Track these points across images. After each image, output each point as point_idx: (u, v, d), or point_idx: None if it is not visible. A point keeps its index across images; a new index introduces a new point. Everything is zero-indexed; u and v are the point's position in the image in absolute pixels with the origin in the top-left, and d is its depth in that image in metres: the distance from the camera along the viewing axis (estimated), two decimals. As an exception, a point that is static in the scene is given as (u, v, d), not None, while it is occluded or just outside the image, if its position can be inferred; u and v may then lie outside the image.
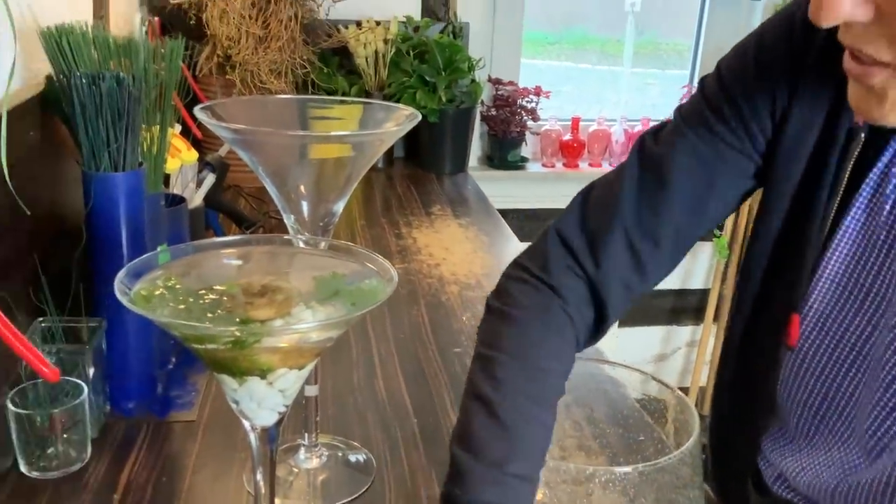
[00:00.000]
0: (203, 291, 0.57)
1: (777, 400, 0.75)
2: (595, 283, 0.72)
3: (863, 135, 0.65)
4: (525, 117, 2.16)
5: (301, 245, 0.66)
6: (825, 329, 0.70)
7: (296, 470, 0.82)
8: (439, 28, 2.01)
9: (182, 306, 0.54)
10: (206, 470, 0.81)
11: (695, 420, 0.59)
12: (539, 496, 0.58)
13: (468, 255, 1.44)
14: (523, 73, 2.26)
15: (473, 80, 1.96)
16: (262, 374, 0.55)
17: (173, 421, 0.89)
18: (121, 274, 0.55)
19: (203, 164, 1.29)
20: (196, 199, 1.22)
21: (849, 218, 0.67)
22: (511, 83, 2.17)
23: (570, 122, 2.30)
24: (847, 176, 0.66)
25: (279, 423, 0.60)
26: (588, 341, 0.74)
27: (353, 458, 0.84)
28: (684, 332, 2.57)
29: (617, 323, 2.40)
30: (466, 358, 1.06)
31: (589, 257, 0.72)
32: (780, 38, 0.69)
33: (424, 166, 1.97)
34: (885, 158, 0.65)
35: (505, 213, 1.78)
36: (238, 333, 0.51)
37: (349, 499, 0.78)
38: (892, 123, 0.57)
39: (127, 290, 0.54)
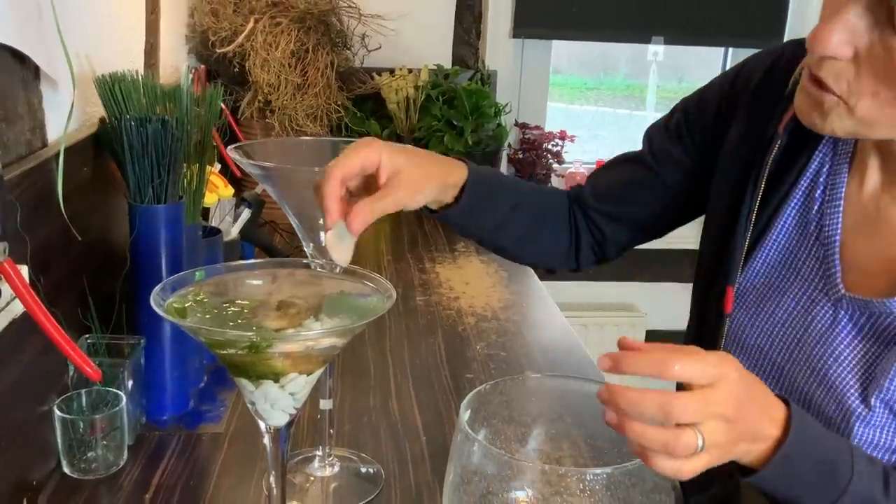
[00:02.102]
0: (227, 304, 0.65)
1: None
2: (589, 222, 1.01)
3: (780, 140, 0.81)
4: (550, 160, 2.24)
5: (317, 269, 0.74)
6: (758, 302, 0.83)
7: (311, 478, 0.89)
8: (468, 76, 2.12)
9: (207, 316, 0.63)
10: (229, 476, 0.88)
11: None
12: (524, 501, 0.64)
13: (487, 289, 1.51)
14: (557, 118, 2.35)
15: (499, 125, 2.05)
16: (276, 377, 0.63)
17: (202, 432, 0.97)
18: (157, 288, 0.63)
19: (240, 201, 1.40)
20: (232, 232, 1.32)
21: (787, 212, 0.81)
22: (537, 127, 2.25)
23: (594, 165, 2.38)
24: (767, 171, 0.81)
25: (290, 424, 0.68)
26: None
27: (363, 469, 0.91)
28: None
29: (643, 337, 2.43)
30: (477, 383, 1.12)
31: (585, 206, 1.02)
32: (724, 83, 0.91)
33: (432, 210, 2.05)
34: (813, 166, 0.81)
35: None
36: (254, 339, 0.59)
37: (358, 505, 0.85)
38: (825, 132, 0.72)
39: (161, 302, 0.62)
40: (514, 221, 0.95)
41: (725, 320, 0.84)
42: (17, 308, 0.74)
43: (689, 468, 0.58)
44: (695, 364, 0.58)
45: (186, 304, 0.64)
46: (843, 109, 0.68)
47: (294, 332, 0.61)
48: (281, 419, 0.66)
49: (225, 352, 0.61)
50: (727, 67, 2.48)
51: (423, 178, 0.78)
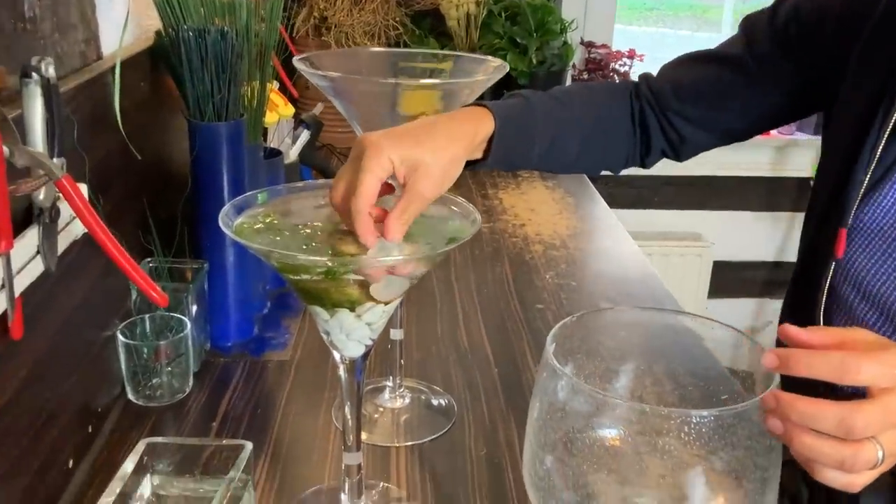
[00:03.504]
0: (299, 227, 0.60)
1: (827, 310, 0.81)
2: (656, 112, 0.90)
3: None
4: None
5: (396, 193, 0.69)
6: (885, 247, 0.75)
7: (381, 409, 0.86)
8: (532, -10, 2.00)
9: (278, 238, 0.58)
10: (297, 405, 0.85)
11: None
12: (615, 440, 0.60)
13: (553, 216, 1.45)
14: (617, 39, 2.22)
15: (565, 43, 1.94)
16: (352, 306, 0.58)
17: (267, 360, 0.94)
18: (226, 208, 0.59)
19: (298, 122, 1.34)
20: (291, 155, 1.27)
21: None
22: (604, 46, 2.14)
23: (663, 88, 2.26)
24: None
25: (366, 356, 0.64)
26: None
27: (435, 401, 0.87)
28: (777, 306, 2.50)
29: (706, 293, 2.35)
30: (549, 314, 1.07)
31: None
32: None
33: (470, 163, 1.97)
34: None
35: (593, 179, 1.77)
36: (330, 264, 0.54)
37: (430, 438, 0.81)
38: None
39: (229, 223, 0.58)
40: (561, 149, 0.86)
41: (831, 265, 0.77)
42: (78, 229, 0.70)
43: (862, 481, 0.51)
44: (876, 366, 0.49)
45: (256, 226, 0.59)
46: None
47: (374, 258, 0.56)
48: (356, 350, 0.62)
49: (298, 277, 0.56)
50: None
51: (447, 162, 0.66)
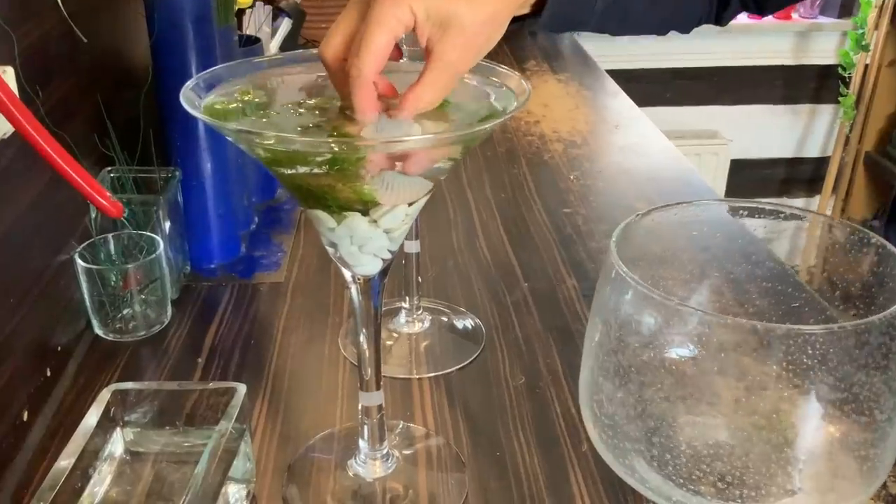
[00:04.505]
0: (288, 106, 0.45)
1: None
2: None
3: None
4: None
5: (405, 60, 0.54)
6: None
7: (395, 335, 0.73)
8: None
9: (265, 120, 0.43)
10: (297, 333, 0.72)
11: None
12: (686, 353, 0.47)
13: (570, 111, 1.29)
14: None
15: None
16: (365, 207, 0.44)
17: (259, 282, 0.80)
18: (190, 82, 0.44)
19: (278, 11, 1.17)
20: (272, 47, 1.10)
21: None
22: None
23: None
24: None
25: (384, 273, 0.50)
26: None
27: (459, 323, 0.74)
28: (795, 205, 2.38)
29: (723, 193, 2.22)
30: (578, 219, 0.94)
31: None
32: None
33: (514, 18, 1.80)
34: None
35: (603, 72, 1.61)
36: (336, 148, 0.40)
37: (457, 367, 0.68)
38: None
39: (196, 102, 0.43)
40: (625, 7, 0.70)
41: None
42: (6, 127, 0.55)
43: None
44: None
45: (231, 106, 0.44)
46: None
47: (398, 137, 0.42)
48: (372, 266, 0.48)
49: (294, 171, 0.42)
50: None
51: (486, 19, 0.47)
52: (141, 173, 0.77)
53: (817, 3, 2.05)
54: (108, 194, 0.48)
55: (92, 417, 0.51)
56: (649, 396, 0.48)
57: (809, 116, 2.16)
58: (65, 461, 0.48)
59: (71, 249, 0.69)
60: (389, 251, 0.48)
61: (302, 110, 0.45)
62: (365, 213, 0.45)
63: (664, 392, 0.48)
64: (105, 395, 0.52)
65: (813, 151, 2.29)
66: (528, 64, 1.52)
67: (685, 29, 0.75)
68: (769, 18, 2.14)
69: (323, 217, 0.45)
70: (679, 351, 0.49)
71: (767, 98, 2.11)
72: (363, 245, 0.47)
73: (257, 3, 1.03)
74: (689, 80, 2.08)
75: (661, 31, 0.76)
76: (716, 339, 0.45)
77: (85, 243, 0.70)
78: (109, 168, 0.76)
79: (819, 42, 2.05)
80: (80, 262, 0.68)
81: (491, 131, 0.44)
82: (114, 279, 0.70)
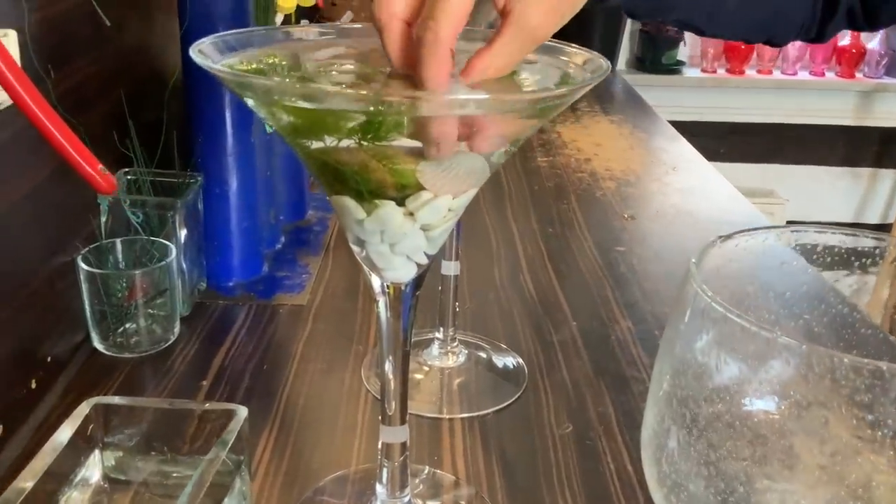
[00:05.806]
0: (319, 69, 0.38)
1: None
2: None
3: None
4: (683, 16, 1.88)
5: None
6: None
7: (426, 368, 0.64)
8: None
9: (288, 80, 0.36)
10: (316, 360, 0.64)
11: None
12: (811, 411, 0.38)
13: (624, 151, 1.22)
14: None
15: (628, -34, 1.70)
16: (400, 195, 0.37)
17: (279, 304, 0.73)
18: (209, 38, 0.37)
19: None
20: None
21: None
22: (668, -24, 1.89)
23: (733, 25, 2.00)
24: None
25: (418, 282, 0.42)
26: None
27: (499, 360, 0.66)
28: (848, 281, 2.26)
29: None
30: (633, 258, 0.85)
31: None
32: None
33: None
34: None
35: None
36: (372, 108, 0.32)
37: (494, 409, 0.60)
38: None
39: (213, 62, 0.36)
40: (715, 1, 0.63)
41: None
42: (3, 98, 0.49)
43: None
44: None
45: (253, 66, 0.37)
46: None
47: (453, 95, 0.34)
48: (405, 270, 0.41)
49: (319, 144, 0.35)
50: None
51: None
52: (160, 177, 0.70)
53: (883, 62, 1.97)
54: (100, 167, 0.41)
55: (65, 433, 0.43)
56: (728, 455, 0.39)
57: (870, 180, 2.06)
58: (24, 483, 0.40)
59: (74, 251, 0.62)
60: (427, 253, 0.40)
61: (335, 72, 0.38)
62: (400, 202, 0.37)
63: (751, 450, 0.39)
64: (84, 409, 0.44)
65: (873, 217, 2.17)
66: (580, 104, 1.46)
67: (782, 38, 0.67)
68: (832, 76, 2.06)
69: (351, 206, 0.38)
70: (777, 401, 0.40)
71: (827, 159, 2.02)
72: (395, 243, 0.39)
73: (302, 20, 0.98)
74: (745, 135, 2.00)
75: (755, 37, 0.67)
76: (827, 383, 0.36)
77: (90, 246, 0.63)
78: (127, 169, 0.69)
79: (884, 103, 1.96)
80: (82, 265, 0.61)
81: (571, 101, 0.36)
82: (118, 287, 0.63)
